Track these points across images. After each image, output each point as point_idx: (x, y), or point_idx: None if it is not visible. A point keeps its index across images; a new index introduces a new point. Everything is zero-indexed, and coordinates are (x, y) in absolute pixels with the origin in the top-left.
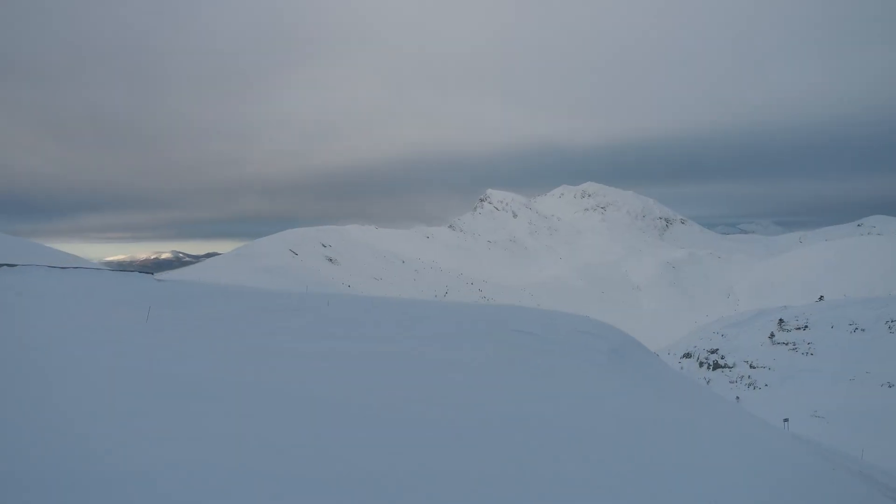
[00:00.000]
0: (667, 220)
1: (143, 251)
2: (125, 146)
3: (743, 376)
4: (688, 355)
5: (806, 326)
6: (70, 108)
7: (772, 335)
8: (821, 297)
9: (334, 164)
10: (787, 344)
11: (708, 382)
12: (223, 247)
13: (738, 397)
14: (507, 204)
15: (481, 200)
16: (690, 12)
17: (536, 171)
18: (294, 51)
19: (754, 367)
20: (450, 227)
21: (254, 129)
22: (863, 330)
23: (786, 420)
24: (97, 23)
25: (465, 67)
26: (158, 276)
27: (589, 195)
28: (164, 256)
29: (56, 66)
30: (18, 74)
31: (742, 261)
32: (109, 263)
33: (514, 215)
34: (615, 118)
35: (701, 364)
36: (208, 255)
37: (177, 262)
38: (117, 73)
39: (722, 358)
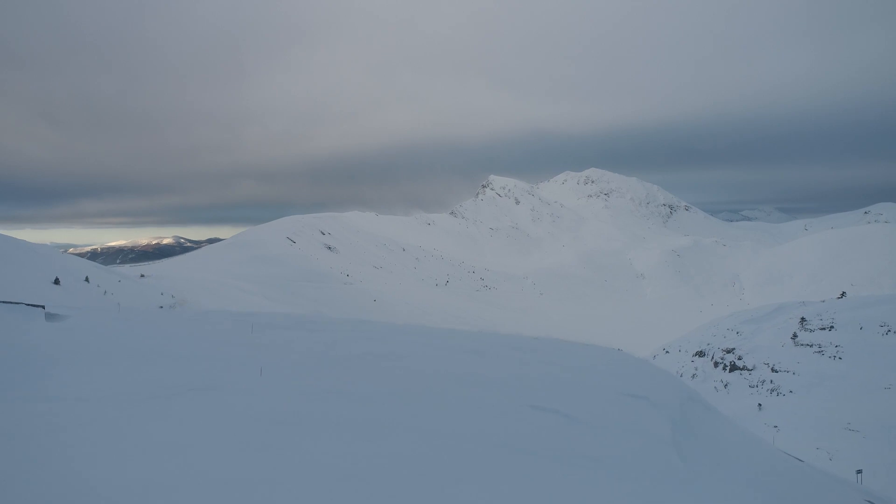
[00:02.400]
0: (671, 207)
1: (145, 236)
2: (119, 133)
3: (764, 381)
4: (701, 353)
5: (832, 327)
6: (62, 95)
7: (794, 336)
8: (843, 294)
9: (328, 149)
10: (811, 346)
11: (725, 386)
12: (225, 232)
13: (759, 404)
14: (509, 190)
15: (483, 187)
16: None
17: (532, 157)
18: (279, 38)
19: (776, 371)
20: (451, 213)
21: (244, 116)
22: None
23: (859, 472)
24: (88, 11)
25: (451, 52)
26: (53, 308)
27: (592, 181)
28: (165, 242)
29: (47, 53)
30: (8, 61)
31: (747, 248)
32: (109, 249)
33: (517, 202)
34: (609, 104)
35: (716, 364)
36: (210, 241)
37: (178, 248)
38: (108, 60)
39: (739, 359)
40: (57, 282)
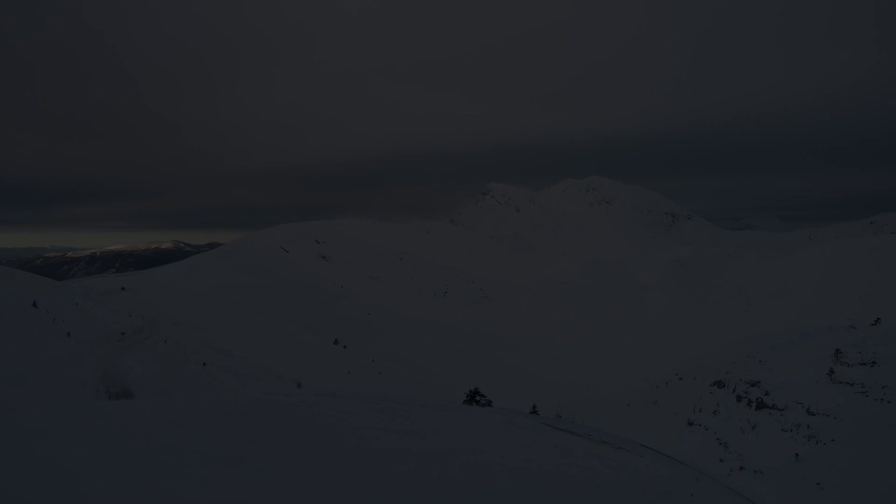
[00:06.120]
0: (673, 216)
1: (143, 241)
2: (117, 137)
3: (800, 424)
4: (720, 384)
5: (874, 362)
6: (52, 104)
7: (831, 371)
8: (877, 320)
9: (329, 153)
10: (852, 384)
11: (753, 428)
12: (224, 236)
13: (797, 454)
14: (509, 198)
15: (483, 194)
16: (679, 4)
17: (528, 165)
18: (250, 52)
19: (813, 414)
20: (451, 221)
21: (244, 120)
22: None
23: None
24: (90, 14)
25: (444, 57)
26: None
27: (594, 189)
28: (164, 246)
29: (38, 61)
30: (4, 67)
31: (752, 259)
32: (108, 253)
33: (517, 210)
34: (608, 108)
35: (739, 399)
36: (210, 245)
37: (178, 253)
38: (108, 65)
39: (766, 394)
40: None
